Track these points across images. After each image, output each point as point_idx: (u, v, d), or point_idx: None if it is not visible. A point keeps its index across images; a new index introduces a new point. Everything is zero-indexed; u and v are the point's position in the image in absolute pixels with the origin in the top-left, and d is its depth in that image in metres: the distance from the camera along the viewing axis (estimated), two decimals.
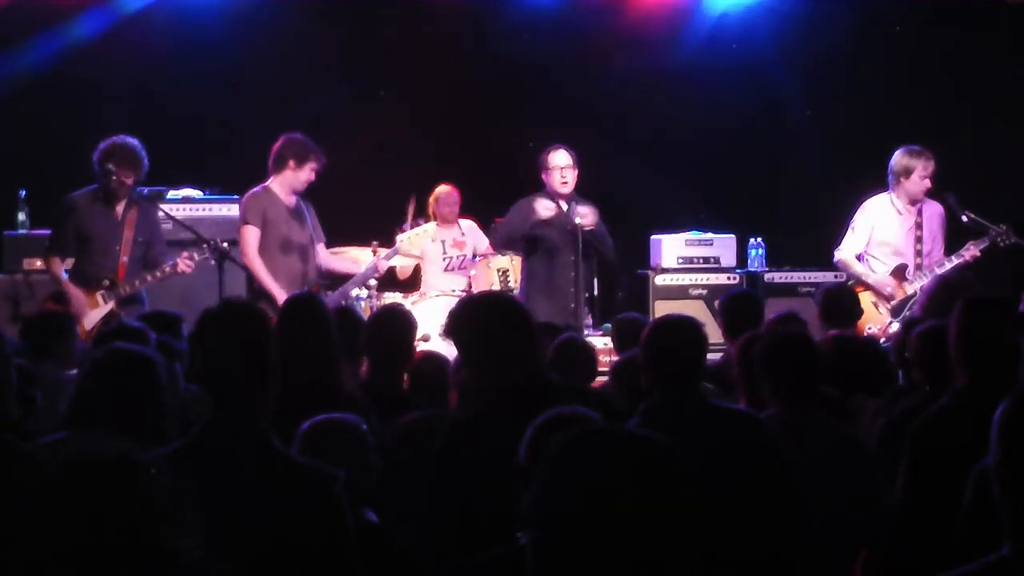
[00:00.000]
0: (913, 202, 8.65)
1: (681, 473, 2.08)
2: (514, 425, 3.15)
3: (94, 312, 7.89)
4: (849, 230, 8.77)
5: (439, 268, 9.68)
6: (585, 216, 8.52)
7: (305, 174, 8.10)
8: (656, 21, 11.08)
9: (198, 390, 5.07)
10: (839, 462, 4.33)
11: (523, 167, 10.83)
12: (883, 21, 11.04)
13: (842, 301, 6.94)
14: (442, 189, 9.73)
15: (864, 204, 8.78)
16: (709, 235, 10.27)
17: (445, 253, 9.66)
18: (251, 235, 7.99)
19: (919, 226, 8.65)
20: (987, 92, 10.88)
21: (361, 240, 9.22)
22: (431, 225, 8.67)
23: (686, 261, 10.14)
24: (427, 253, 9.65)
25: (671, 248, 10.13)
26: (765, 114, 11.23)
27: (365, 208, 10.12)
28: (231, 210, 8.98)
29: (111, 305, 7.93)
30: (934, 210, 8.75)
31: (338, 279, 8.46)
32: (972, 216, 8.67)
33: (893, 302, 8.48)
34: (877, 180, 9.83)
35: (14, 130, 9.75)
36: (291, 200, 8.15)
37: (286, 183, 8.09)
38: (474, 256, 9.63)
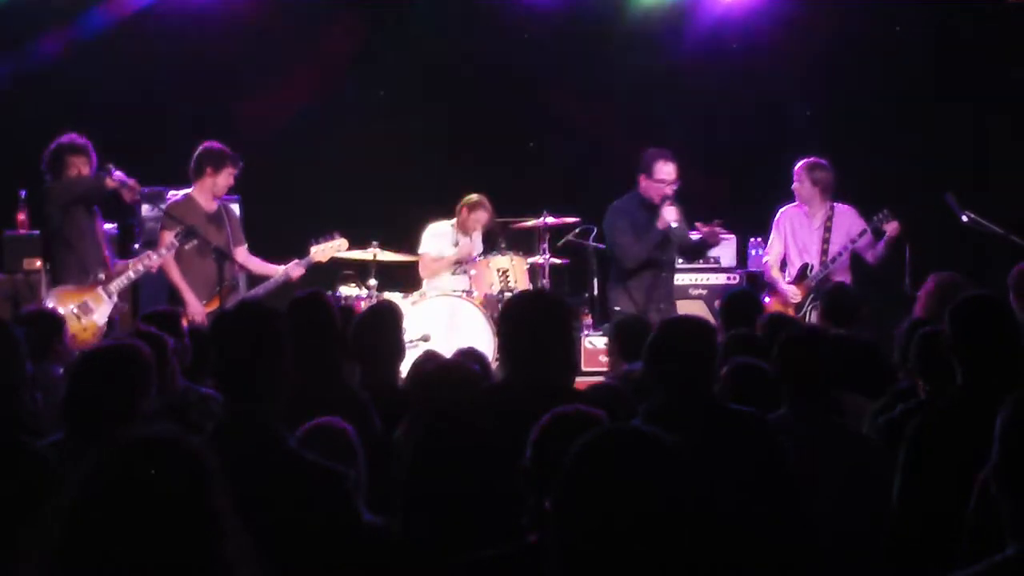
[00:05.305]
0: (810, 206, 9.08)
1: (688, 472, 2.10)
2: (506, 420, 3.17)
3: (103, 306, 7.93)
4: (770, 239, 9.27)
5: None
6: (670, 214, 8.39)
7: (223, 180, 8.46)
8: (656, 21, 11.08)
9: (202, 390, 5.09)
10: (854, 464, 4.31)
11: (522, 167, 10.86)
12: (883, 21, 11.04)
13: (843, 301, 6.95)
14: (477, 203, 9.62)
15: (778, 212, 9.27)
16: None
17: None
18: (168, 240, 8.25)
19: (827, 229, 9.07)
20: (987, 92, 10.88)
21: (360, 239, 9.23)
22: (342, 242, 8.68)
23: (686, 261, 10.13)
24: (442, 252, 9.65)
25: None
26: (765, 114, 11.23)
27: (364, 207, 10.12)
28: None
29: (114, 299, 8.00)
30: (843, 212, 9.13)
31: (259, 280, 8.66)
32: (972, 216, 8.69)
33: (796, 302, 8.92)
34: (876, 179, 9.88)
35: (14, 130, 9.75)
36: (211, 206, 8.50)
37: (206, 189, 8.46)
38: (475, 256, 9.62)
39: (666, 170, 8.40)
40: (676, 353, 4.00)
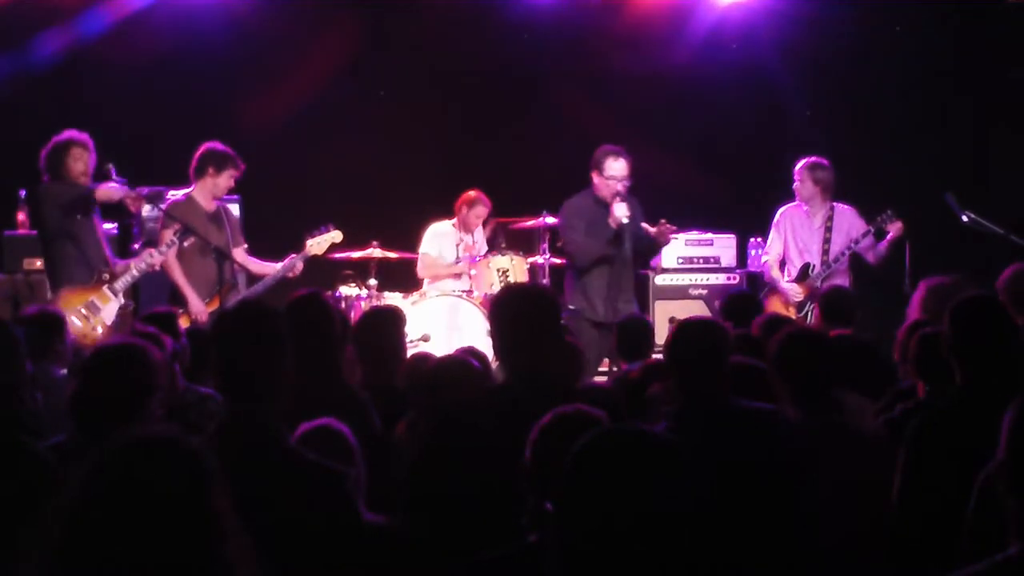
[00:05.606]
0: (811, 206, 9.09)
1: (688, 472, 2.10)
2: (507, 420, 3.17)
3: (111, 305, 7.93)
4: (770, 239, 9.25)
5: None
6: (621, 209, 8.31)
7: (224, 181, 8.46)
8: (656, 21, 11.08)
9: (202, 390, 5.09)
10: (855, 463, 4.30)
11: (522, 166, 10.85)
12: (883, 21, 11.04)
13: (840, 303, 6.94)
14: (475, 199, 9.64)
15: (778, 212, 9.27)
16: (709, 235, 10.28)
17: (458, 257, 9.65)
18: (168, 238, 8.23)
19: (828, 228, 9.09)
20: (987, 92, 10.89)
21: (360, 239, 9.22)
22: (337, 233, 8.68)
23: (686, 261, 10.16)
24: (443, 252, 9.65)
25: (671, 248, 10.10)
26: (765, 114, 11.23)
27: (364, 207, 10.12)
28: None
29: (120, 297, 8.00)
30: (844, 212, 9.14)
31: (258, 279, 8.66)
32: (972, 216, 8.68)
33: (798, 301, 8.94)
34: (876, 179, 9.87)
35: (14, 130, 9.75)
36: (211, 206, 8.51)
37: (206, 190, 8.46)
38: (475, 256, 9.62)
39: (616, 167, 8.34)
40: (688, 355, 4.01)
